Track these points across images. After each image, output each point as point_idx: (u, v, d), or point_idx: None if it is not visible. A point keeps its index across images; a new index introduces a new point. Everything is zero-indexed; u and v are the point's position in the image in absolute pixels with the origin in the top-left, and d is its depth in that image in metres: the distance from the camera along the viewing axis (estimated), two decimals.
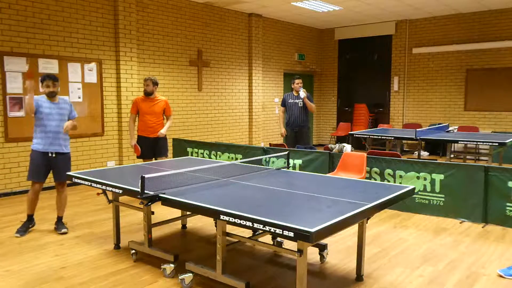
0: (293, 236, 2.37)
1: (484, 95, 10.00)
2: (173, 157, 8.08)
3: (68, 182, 4.67)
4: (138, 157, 6.10)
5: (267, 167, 4.75)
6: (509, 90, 9.64)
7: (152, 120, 5.96)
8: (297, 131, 7.24)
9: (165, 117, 6.14)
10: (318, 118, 13.02)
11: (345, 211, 2.69)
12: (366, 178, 5.59)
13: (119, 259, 3.91)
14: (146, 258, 3.89)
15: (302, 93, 7.09)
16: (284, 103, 7.39)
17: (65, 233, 4.69)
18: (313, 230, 2.31)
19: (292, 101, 7.25)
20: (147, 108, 5.93)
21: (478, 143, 7.16)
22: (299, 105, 7.15)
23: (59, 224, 4.81)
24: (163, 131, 5.98)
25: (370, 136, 8.38)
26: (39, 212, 5.40)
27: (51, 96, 4.66)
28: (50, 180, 5.01)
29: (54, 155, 4.68)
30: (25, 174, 5.01)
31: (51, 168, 4.73)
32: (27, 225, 4.76)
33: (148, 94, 5.94)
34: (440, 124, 9.64)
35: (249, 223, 2.58)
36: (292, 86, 7.30)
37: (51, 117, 4.62)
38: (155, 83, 5.96)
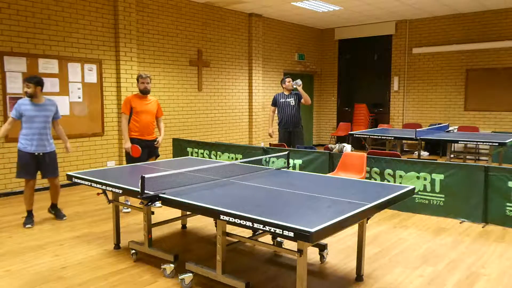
0: (293, 236, 2.37)
1: (484, 95, 10.00)
2: (173, 157, 8.08)
3: (68, 182, 4.71)
4: (134, 159, 5.45)
5: (267, 167, 4.75)
6: (509, 90, 9.64)
7: (149, 120, 5.63)
8: (291, 131, 7.17)
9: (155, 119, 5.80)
10: (318, 118, 13.02)
11: (345, 211, 2.69)
12: (366, 178, 5.59)
13: (119, 259, 3.91)
14: (146, 258, 3.89)
15: (298, 81, 7.02)
16: (275, 103, 7.28)
17: (65, 219, 5.18)
18: (313, 230, 2.31)
19: (283, 100, 7.17)
20: (143, 107, 5.57)
21: (478, 143, 7.15)
22: (292, 103, 7.10)
23: (58, 211, 5.24)
24: (161, 140, 5.71)
25: (370, 136, 8.38)
26: (39, 212, 5.40)
27: (28, 96, 4.88)
28: (47, 181, 5.24)
29: (41, 154, 4.94)
30: None
31: (39, 166, 4.98)
32: (31, 217, 5.00)
33: (146, 93, 5.59)
34: (440, 124, 9.64)
35: (249, 223, 2.58)
36: (284, 86, 7.20)
37: (35, 119, 4.87)
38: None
